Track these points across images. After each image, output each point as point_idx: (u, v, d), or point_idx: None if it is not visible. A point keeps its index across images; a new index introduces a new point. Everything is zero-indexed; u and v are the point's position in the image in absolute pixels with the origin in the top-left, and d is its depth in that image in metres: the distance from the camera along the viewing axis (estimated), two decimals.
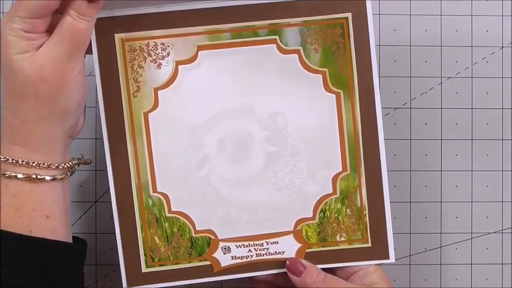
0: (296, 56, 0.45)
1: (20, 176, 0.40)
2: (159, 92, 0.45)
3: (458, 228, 0.55)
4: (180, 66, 0.45)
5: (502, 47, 0.55)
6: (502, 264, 0.55)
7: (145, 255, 0.45)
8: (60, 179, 0.41)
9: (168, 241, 0.46)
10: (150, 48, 0.44)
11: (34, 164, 0.40)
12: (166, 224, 0.46)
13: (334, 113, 0.46)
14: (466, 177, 0.54)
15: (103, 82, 0.44)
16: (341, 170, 0.46)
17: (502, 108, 0.55)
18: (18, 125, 0.40)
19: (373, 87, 0.46)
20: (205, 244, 0.46)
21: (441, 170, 0.54)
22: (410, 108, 0.54)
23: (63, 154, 0.42)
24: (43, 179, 0.40)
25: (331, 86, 0.46)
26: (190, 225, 0.46)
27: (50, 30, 0.40)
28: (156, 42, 0.44)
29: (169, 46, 0.44)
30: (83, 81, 0.41)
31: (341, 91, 0.46)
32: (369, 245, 0.47)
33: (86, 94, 0.42)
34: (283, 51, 0.45)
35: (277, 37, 0.45)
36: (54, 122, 0.40)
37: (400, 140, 0.54)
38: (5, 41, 0.39)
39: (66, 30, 0.39)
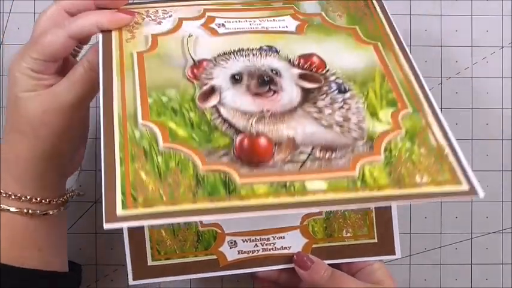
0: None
1: (12, 209, 0.40)
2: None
3: (458, 228, 0.54)
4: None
5: (502, 47, 0.55)
6: (502, 264, 0.55)
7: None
8: (52, 213, 0.42)
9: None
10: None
11: (27, 199, 0.40)
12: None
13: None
14: None
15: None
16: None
17: (502, 108, 0.55)
18: (13, 159, 0.40)
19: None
20: (211, 238, 0.45)
21: None
22: None
23: (58, 190, 0.43)
24: (35, 214, 0.40)
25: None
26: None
27: (59, 72, 0.40)
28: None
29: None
30: (85, 127, 0.41)
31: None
32: (375, 240, 0.46)
33: (86, 139, 0.43)
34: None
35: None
36: (50, 162, 0.40)
37: None
38: (13, 78, 0.39)
39: (77, 80, 0.39)
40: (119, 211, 0.32)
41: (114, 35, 0.39)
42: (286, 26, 0.41)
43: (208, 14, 0.41)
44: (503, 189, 0.55)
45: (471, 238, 0.55)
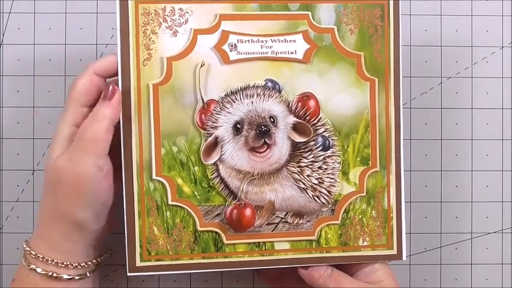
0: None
1: (38, 270, 0.41)
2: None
3: (458, 228, 0.54)
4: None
5: (502, 47, 0.55)
6: (502, 264, 0.55)
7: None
8: (79, 279, 0.42)
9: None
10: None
11: (53, 263, 0.41)
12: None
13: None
14: (466, 177, 0.54)
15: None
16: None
17: (502, 108, 0.55)
18: (42, 219, 0.42)
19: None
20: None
21: (441, 170, 0.54)
22: (410, 108, 0.54)
23: (85, 254, 0.43)
24: (60, 278, 0.41)
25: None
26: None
27: None
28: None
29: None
30: (99, 191, 0.40)
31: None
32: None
33: (109, 204, 0.41)
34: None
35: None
36: (72, 225, 0.41)
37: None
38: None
39: (79, 132, 0.40)
40: (138, 263, 0.42)
41: (132, 54, 0.41)
42: (295, 51, 0.43)
43: (223, 23, 0.42)
44: (503, 189, 0.55)
45: (471, 238, 0.55)
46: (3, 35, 0.53)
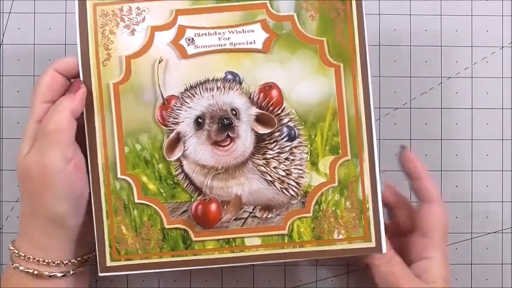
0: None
1: (21, 268, 0.41)
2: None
3: (458, 228, 0.54)
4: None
5: (502, 47, 0.55)
6: (502, 264, 0.55)
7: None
8: (61, 276, 0.42)
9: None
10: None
11: (34, 261, 0.41)
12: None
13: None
14: (466, 177, 0.54)
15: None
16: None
17: (502, 108, 0.55)
18: (22, 218, 0.42)
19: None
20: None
21: (441, 170, 0.54)
22: (410, 108, 0.54)
23: (68, 251, 0.42)
24: (42, 275, 0.41)
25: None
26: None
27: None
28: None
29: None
30: (71, 183, 0.40)
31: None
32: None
33: (85, 197, 0.42)
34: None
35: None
36: (50, 220, 0.41)
37: (400, 140, 0.54)
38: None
39: (41, 125, 0.40)
40: (108, 263, 0.42)
41: (92, 55, 0.42)
42: (254, 41, 0.43)
43: (179, 18, 0.42)
44: (503, 189, 0.55)
45: (471, 238, 0.55)
46: (3, 35, 0.53)
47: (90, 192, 0.42)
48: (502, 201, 0.55)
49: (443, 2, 0.55)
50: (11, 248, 0.42)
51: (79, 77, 0.42)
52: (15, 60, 0.53)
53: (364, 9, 0.43)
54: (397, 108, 0.55)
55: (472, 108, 0.55)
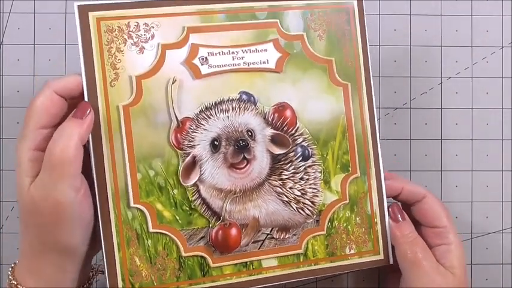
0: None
1: None
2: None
3: (458, 228, 0.54)
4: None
5: (502, 47, 0.55)
6: (502, 264, 0.55)
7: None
8: None
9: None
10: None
11: None
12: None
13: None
14: (466, 177, 0.54)
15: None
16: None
17: (502, 108, 0.55)
18: (27, 252, 0.39)
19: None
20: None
21: (441, 170, 0.54)
22: (410, 108, 0.54)
23: (75, 281, 0.40)
24: None
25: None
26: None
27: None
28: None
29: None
30: (82, 212, 0.38)
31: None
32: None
33: (91, 223, 0.39)
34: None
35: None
36: (63, 253, 0.38)
37: (400, 140, 0.54)
38: (19, 163, 0.38)
39: (46, 156, 0.37)
40: None
41: (98, 75, 0.39)
42: (267, 61, 0.42)
43: (191, 36, 0.40)
44: (503, 189, 0.55)
45: (471, 238, 0.55)
46: (3, 35, 0.53)
47: (94, 215, 0.39)
48: (502, 201, 0.55)
49: (443, 2, 0.55)
50: (13, 281, 0.39)
51: (81, 98, 0.39)
52: (15, 61, 0.53)
53: (367, 27, 0.44)
54: (397, 108, 0.55)
55: (472, 108, 0.55)
